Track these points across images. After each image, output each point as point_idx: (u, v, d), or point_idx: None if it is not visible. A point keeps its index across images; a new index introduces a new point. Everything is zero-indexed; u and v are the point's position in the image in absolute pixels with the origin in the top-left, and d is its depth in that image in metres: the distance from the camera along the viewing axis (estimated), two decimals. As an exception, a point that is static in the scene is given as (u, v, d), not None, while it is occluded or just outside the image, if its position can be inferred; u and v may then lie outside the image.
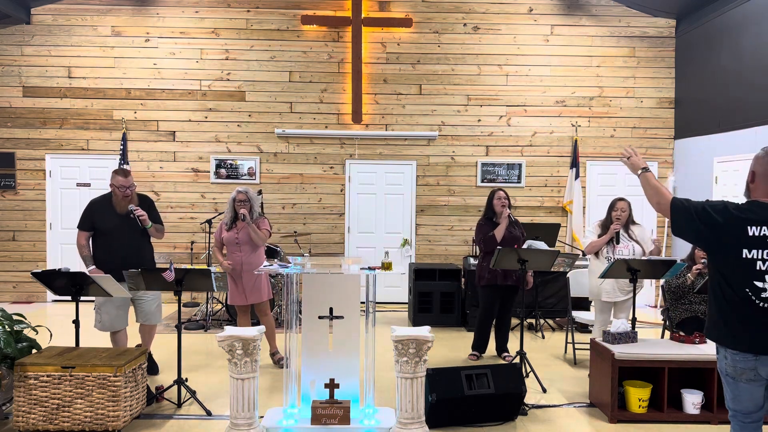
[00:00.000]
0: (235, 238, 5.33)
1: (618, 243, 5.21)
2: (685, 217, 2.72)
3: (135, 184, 4.94)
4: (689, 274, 5.11)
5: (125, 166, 8.25)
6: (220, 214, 7.95)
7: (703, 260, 5.12)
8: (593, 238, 5.31)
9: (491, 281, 5.66)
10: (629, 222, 5.30)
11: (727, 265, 2.68)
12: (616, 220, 5.23)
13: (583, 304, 6.78)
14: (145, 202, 5.04)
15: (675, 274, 5.00)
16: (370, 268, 4.11)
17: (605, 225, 5.30)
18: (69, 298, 4.35)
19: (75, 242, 8.39)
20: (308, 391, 4.08)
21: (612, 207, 5.29)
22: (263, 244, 5.43)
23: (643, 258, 5.00)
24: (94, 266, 4.85)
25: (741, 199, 2.83)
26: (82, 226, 4.89)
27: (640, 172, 3.01)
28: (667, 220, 8.84)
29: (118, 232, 4.85)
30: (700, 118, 8.05)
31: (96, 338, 6.40)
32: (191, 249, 8.26)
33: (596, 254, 5.28)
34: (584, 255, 7.31)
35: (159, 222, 5.09)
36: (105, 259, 4.87)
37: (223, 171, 8.56)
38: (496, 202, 5.69)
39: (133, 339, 5.72)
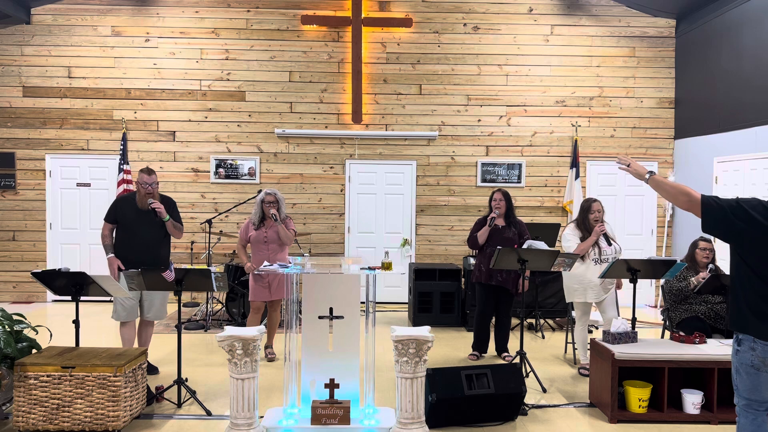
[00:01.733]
0: (263, 237, 5.57)
1: (609, 244, 5.25)
2: (719, 214, 2.76)
3: (158, 183, 5.21)
4: (693, 279, 5.10)
5: (125, 167, 8.26)
6: (220, 213, 7.95)
7: (709, 265, 5.11)
8: (576, 241, 5.33)
9: (479, 279, 5.80)
10: (601, 221, 5.35)
11: (761, 260, 2.73)
12: (595, 222, 5.27)
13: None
14: (167, 202, 5.28)
15: (675, 275, 5.00)
16: (370, 268, 4.11)
17: (584, 227, 5.32)
18: (69, 298, 4.36)
19: (75, 242, 8.43)
20: (308, 391, 4.08)
21: (588, 209, 5.32)
22: (290, 243, 5.69)
23: (644, 258, 5.00)
24: (112, 254, 5.11)
25: None
26: (107, 218, 5.18)
27: (647, 177, 3.06)
28: (667, 219, 8.86)
29: (138, 227, 5.11)
30: (700, 118, 8.05)
31: (96, 338, 6.41)
32: (191, 249, 8.25)
33: (582, 256, 5.29)
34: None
35: (178, 221, 5.31)
36: (124, 252, 5.10)
37: (222, 171, 8.56)
38: (492, 203, 5.77)
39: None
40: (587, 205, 5.35)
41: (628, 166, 3.16)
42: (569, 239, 5.38)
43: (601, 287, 5.29)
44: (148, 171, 5.11)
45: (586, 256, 5.28)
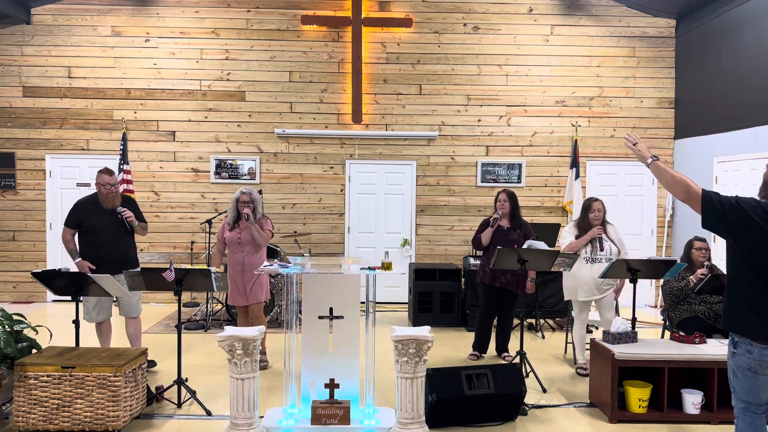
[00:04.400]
0: (237, 238, 5.36)
1: (602, 248, 5.25)
2: (719, 212, 2.71)
3: (118, 182, 5.25)
4: (692, 277, 5.09)
5: (125, 167, 8.26)
6: (220, 214, 7.95)
7: (706, 263, 5.11)
8: (571, 238, 5.35)
9: (482, 279, 5.80)
10: (604, 222, 5.35)
11: (759, 260, 2.70)
12: (595, 220, 5.28)
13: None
14: (129, 203, 5.28)
15: (675, 275, 5.00)
16: (370, 268, 4.11)
17: (582, 226, 5.34)
18: (69, 298, 4.36)
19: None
20: (308, 391, 4.08)
21: (588, 209, 5.33)
22: (266, 245, 5.46)
23: (644, 258, 5.00)
24: (80, 258, 5.09)
25: None
26: (68, 224, 5.13)
27: (649, 161, 2.95)
28: (667, 219, 8.85)
29: (103, 230, 5.09)
30: (700, 118, 8.05)
31: (96, 338, 6.40)
32: (191, 249, 8.26)
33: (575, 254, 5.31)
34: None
35: (143, 220, 5.32)
36: (90, 255, 5.08)
37: (222, 171, 8.57)
38: (497, 204, 5.78)
39: (121, 339, 5.72)
40: (587, 204, 5.36)
41: (635, 144, 3.04)
42: (564, 236, 5.43)
43: (594, 286, 5.28)
44: (108, 171, 5.09)
45: (578, 255, 5.28)
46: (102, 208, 5.10)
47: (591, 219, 5.31)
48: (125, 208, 5.10)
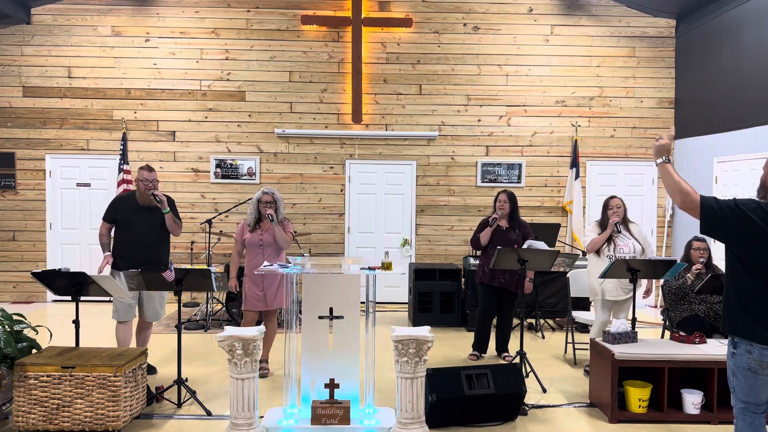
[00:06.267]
0: (259, 240, 5.16)
1: (619, 232, 5.19)
2: (718, 216, 2.71)
3: (158, 180, 5.22)
4: (689, 275, 5.11)
5: (125, 167, 8.26)
6: (220, 213, 7.95)
7: (701, 260, 5.13)
8: (594, 236, 5.30)
9: (482, 279, 5.80)
10: (626, 220, 5.32)
11: (757, 262, 2.70)
12: (613, 216, 5.24)
13: (583, 304, 6.78)
14: (167, 200, 5.22)
15: (674, 275, 5.00)
16: (370, 268, 4.11)
17: (603, 224, 5.31)
18: (69, 298, 4.35)
19: (75, 242, 8.41)
20: (308, 391, 4.08)
21: (606, 206, 5.31)
22: (288, 247, 5.28)
23: (643, 258, 5.00)
24: (108, 253, 5.08)
25: None
26: (105, 218, 5.14)
27: (660, 160, 3.00)
28: (667, 219, 8.84)
29: (138, 227, 5.06)
30: (700, 118, 8.05)
31: (96, 338, 6.41)
32: (191, 249, 8.26)
33: (597, 253, 5.27)
34: (584, 255, 7.33)
35: (178, 218, 5.23)
36: (123, 252, 5.05)
37: (221, 171, 8.56)
38: (497, 204, 5.78)
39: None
40: (606, 202, 5.34)
41: (659, 140, 3.09)
42: (587, 234, 5.38)
43: (619, 286, 5.24)
44: (149, 168, 5.07)
45: (601, 253, 5.25)
46: (140, 207, 5.08)
47: (610, 215, 5.29)
48: (159, 192, 5.10)
